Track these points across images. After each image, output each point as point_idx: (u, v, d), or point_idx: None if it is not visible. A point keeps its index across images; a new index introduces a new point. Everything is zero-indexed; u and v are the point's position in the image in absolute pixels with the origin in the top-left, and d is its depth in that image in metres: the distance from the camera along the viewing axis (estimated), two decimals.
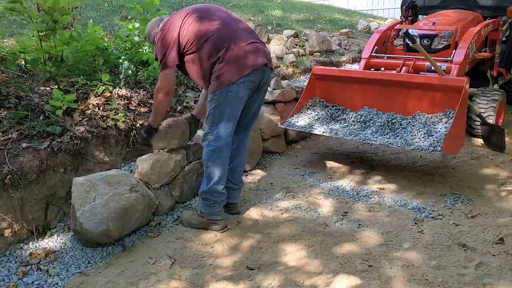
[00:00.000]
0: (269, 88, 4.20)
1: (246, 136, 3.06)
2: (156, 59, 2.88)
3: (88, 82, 3.32)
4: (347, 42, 6.61)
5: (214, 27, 2.73)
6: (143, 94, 3.52)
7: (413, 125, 3.47)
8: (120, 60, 3.78)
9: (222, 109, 2.72)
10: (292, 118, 3.86)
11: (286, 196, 3.32)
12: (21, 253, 2.54)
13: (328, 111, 3.89)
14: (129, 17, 5.63)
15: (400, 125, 3.53)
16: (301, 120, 3.82)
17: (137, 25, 4.15)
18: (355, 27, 7.88)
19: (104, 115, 3.14)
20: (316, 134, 3.92)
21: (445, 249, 2.57)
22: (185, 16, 2.77)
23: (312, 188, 3.44)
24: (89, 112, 3.10)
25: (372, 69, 4.29)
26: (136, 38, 4.10)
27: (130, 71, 3.65)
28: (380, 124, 3.57)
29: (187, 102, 3.72)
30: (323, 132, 3.65)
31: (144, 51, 3.88)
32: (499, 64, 4.65)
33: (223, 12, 2.91)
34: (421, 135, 3.34)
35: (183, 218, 2.93)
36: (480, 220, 2.89)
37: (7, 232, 2.51)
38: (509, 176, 3.52)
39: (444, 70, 3.86)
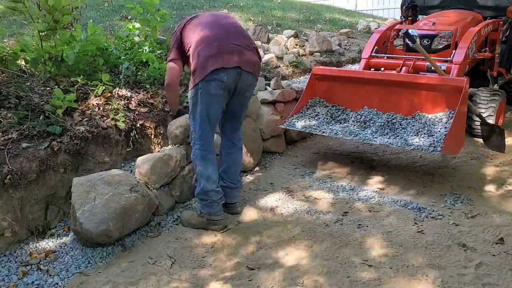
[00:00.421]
0: (269, 88, 4.21)
1: (235, 137, 3.08)
2: None
3: (88, 82, 3.32)
4: (347, 42, 6.61)
5: (204, 31, 2.85)
6: (143, 94, 3.52)
7: (413, 125, 3.47)
8: (120, 60, 3.78)
9: (197, 106, 2.81)
10: (292, 118, 3.86)
11: (286, 196, 3.32)
12: (21, 253, 2.54)
13: (328, 111, 3.90)
14: (129, 17, 5.64)
15: (400, 125, 3.53)
16: (301, 120, 3.82)
17: (137, 25, 4.15)
18: (355, 27, 7.88)
19: (104, 115, 3.14)
20: (316, 134, 3.92)
21: (445, 249, 2.57)
22: (190, 19, 2.99)
23: (312, 188, 3.44)
24: (89, 112, 3.10)
25: (372, 69, 4.29)
26: (136, 38, 4.10)
27: (130, 71, 3.65)
28: (380, 124, 3.57)
29: (187, 102, 3.72)
30: (323, 132, 3.65)
31: (144, 51, 3.88)
32: (499, 64, 4.65)
33: (221, 18, 3.01)
34: (421, 135, 3.34)
35: (183, 218, 2.93)
36: (480, 220, 2.89)
37: (7, 232, 2.51)
38: (509, 176, 3.52)
39: (444, 70, 3.86)
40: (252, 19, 6.85)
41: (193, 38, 2.86)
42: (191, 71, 2.85)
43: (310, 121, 3.80)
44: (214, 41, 2.79)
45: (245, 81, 2.88)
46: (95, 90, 3.24)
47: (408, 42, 4.37)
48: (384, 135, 3.47)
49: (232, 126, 3.07)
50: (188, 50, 2.90)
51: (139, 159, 3.02)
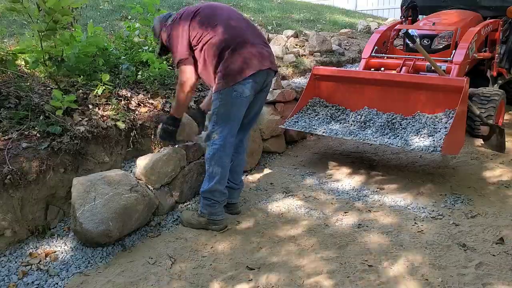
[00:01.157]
0: None
1: (245, 136, 3.06)
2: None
3: (88, 82, 3.32)
4: (347, 42, 6.61)
5: (222, 25, 2.73)
6: (143, 94, 3.52)
7: (413, 125, 3.47)
8: (120, 60, 3.78)
9: (226, 108, 2.72)
10: (292, 118, 3.86)
11: (286, 196, 3.32)
12: (21, 253, 2.53)
13: (328, 111, 3.90)
14: (129, 17, 5.64)
15: (400, 125, 3.53)
16: (301, 120, 3.82)
17: (137, 25, 4.15)
18: (355, 27, 7.88)
19: (104, 115, 3.14)
20: (316, 134, 3.92)
21: (445, 249, 2.57)
22: (195, 11, 2.80)
23: (312, 188, 3.44)
24: (89, 112, 3.10)
25: (372, 69, 4.29)
26: (136, 39, 4.10)
27: (130, 71, 3.65)
28: (380, 124, 3.57)
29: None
30: (323, 132, 3.65)
31: (144, 51, 3.88)
32: (499, 64, 4.65)
33: (233, 11, 2.92)
34: (421, 135, 3.34)
35: (183, 218, 2.93)
36: (480, 220, 2.89)
37: (7, 232, 2.51)
38: (509, 176, 3.52)
39: (444, 70, 3.86)
40: (252, 19, 6.85)
41: (213, 33, 2.70)
42: (220, 71, 2.69)
43: (310, 121, 3.80)
44: (245, 41, 2.71)
45: (270, 79, 2.90)
46: (95, 90, 3.24)
47: (408, 42, 4.37)
48: (384, 135, 3.47)
49: (248, 124, 3.02)
50: (198, 47, 2.75)
51: (139, 159, 3.02)
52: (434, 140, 3.22)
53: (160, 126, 3.08)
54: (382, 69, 4.27)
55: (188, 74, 2.81)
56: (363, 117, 3.70)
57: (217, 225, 2.84)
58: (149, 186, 2.96)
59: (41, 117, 2.89)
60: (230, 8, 2.96)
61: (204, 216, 2.84)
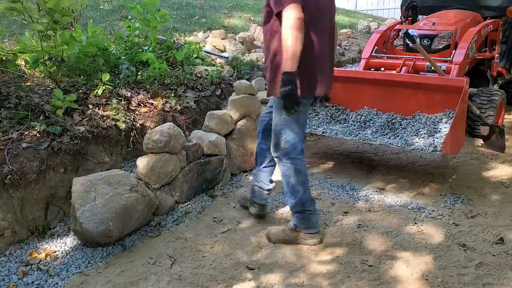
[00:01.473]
0: None
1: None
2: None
3: (88, 82, 3.32)
4: (347, 42, 6.61)
5: (324, 28, 2.50)
6: (143, 94, 3.52)
7: (413, 125, 3.48)
8: (120, 60, 3.78)
9: (296, 115, 2.47)
10: None
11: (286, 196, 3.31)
12: (21, 253, 2.54)
13: (328, 111, 3.90)
14: (129, 17, 5.65)
15: (400, 125, 3.53)
16: None
17: (137, 25, 4.15)
18: (355, 27, 7.88)
19: (104, 115, 3.14)
20: (316, 134, 3.92)
21: (445, 249, 2.57)
22: None
23: (312, 188, 3.43)
24: (89, 112, 3.10)
25: (372, 69, 4.29)
26: (136, 39, 4.10)
27: (130, 71, 3.65)
28: (380, 124, 3.57)
29: (188, 102, 3.72)
30: (323, 132, 3.65)
31: (144, 51, 3.88)
32: (499, 64, 4.65)
33: (332, 15, 2.64)
34: (421, 135, 3.34)
35: (271, 234, 2.73)
36: (480, 220, 2.89)
37: (7, 232, 2.51)
38: (509, 176, 3.52)
39: (444, 70, 3.86)
40: (252, 19, 6.85)
41: (315, 27, 2.42)
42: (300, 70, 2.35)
43: (310, 121, 3.80)
44: (325, 61, 2.54)
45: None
46: (95, 90, 3.24)
47: (408, 42, 4.37)
48: (384, 135, 3.47)
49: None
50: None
51: (139, 159, 3.02)
52: (434, 140, 3.22)
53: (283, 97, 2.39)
54: (382, 69, 4.27)
55: (295, 11, 2.26)
56: (363, 117, 3.71)
57: (314, 238, 2.67)
58: (149, 186, 2.96)
59: (41, 117, 2.89)
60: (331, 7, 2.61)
61: (299, 230, 2.66)
